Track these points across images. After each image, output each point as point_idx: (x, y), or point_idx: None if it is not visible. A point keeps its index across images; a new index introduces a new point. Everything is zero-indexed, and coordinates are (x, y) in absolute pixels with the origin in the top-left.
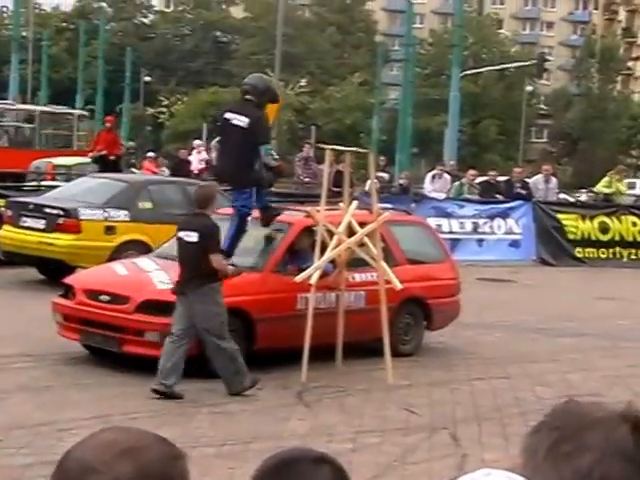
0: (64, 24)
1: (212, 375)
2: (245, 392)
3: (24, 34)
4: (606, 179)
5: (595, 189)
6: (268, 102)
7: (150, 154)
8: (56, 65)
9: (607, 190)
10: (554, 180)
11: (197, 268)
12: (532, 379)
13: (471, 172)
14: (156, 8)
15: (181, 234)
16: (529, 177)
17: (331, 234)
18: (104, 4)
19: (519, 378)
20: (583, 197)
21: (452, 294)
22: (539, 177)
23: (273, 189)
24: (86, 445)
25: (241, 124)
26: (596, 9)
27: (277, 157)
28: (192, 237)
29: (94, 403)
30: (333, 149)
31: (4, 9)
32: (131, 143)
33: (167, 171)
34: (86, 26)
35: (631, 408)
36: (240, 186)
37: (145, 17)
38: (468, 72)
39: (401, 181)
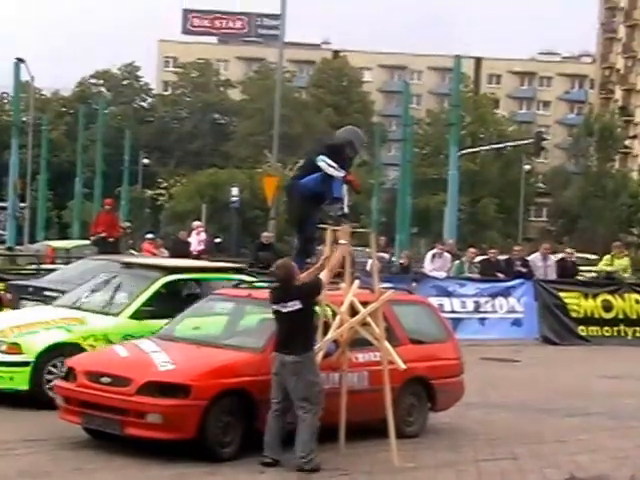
0: (64, 109)
1: (212, 458)
2: (314, 471)
3: (24, 119)
4: (607, 257)
5: (597, 268)
6: (351, 152)
7: (149, 235)
8: (56, 149)
9: (609, 268)
10: (552, 258)
11: (298, 336)
12: (540, 460)
13: (471, 250)
14: (154, 91)
15: (276, 307)
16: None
17: (333, 314)
18: (103, 88)
19: (526, 459)
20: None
21: (456, 374)
22: (537, 255)
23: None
24: None
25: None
26: (592, 88)
27: (340, 169)
28: (293, 306)
29: None
30: (333, 229)
31: (5, 95)
32: (127, 223)
33: (166, 252)
34: (85, 110)
35: None
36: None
37: (144, 100)
38: (466, 151)
39: (401, 260)
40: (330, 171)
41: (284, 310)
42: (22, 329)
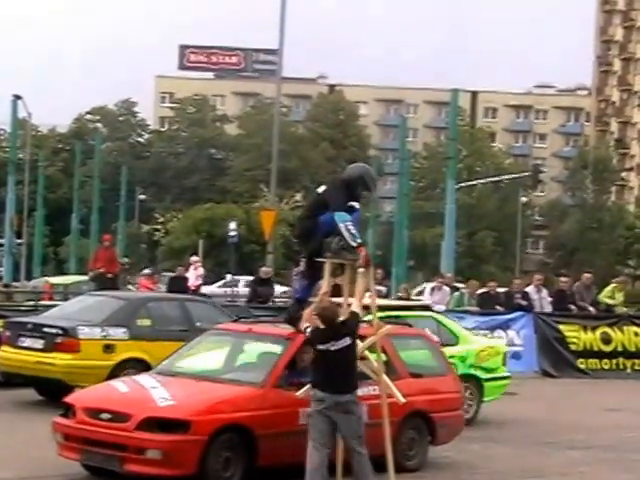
0: (60, 145)
1: None
2: None
3: (21, 156)
4: (609, 289)
5: (598, 298)
6: (363, 188)
7: (146, 271)
8: (52, 185)
9: (610, 301)
10: (545, 290)
11: (348, 374)
12: None
13: (474, 282)
14: (151, 127)
15: (324, 347)
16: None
17: None
18: (99, 125)
19: None
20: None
21: (456, 407)
22: (531, 287)
23: (270, 304)
24: None
25: (318, 190)
26: (588, 121)
27: (357, 236)
28: (344, 343)
29: None
30: (332, 262)
31: (1, 132)
32: (125, 259)
33: (163, 288)
34: (82, 146)
35: None
36: (300, 241)
37: (140, 136)
38: (463, 184)
39: (400, 294)
40: (346, 236)
41: (333, 348)
42: None
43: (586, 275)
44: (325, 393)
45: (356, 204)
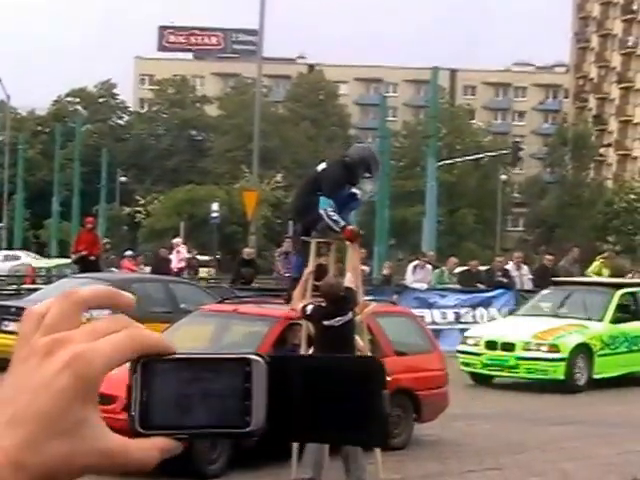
0: (39, 127)
1: (199, 476)
2: None
3: (0, 138)
4: (597, 264)
5: (586, 273)
6: (365, 171)
7: (128, 253)
8: (32, 168)
9: (597, 279)
10: (525, 267)
11: (349, 349)
12: (525, 469)
13: (452, 260)
14: (131, 109)
15: (328, 322)
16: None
17: None
18: (79, 107)
19: (512, 469)
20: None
21: (440, 385)
22: (511, 265)
23: (254, 284)
24: None
25: (318, 168)
26: (566, 98)
27: (340, 221)
28: (346, 317)
29: None
30: (317, 241)
31: None
32: (106, 239)
33: (147, 269)
34: (61, 129)
35: None
36: (296, 218)
37: (120, 118)
38: (443, 162)
39: (385, 271)
40: (329, 223)
41: (338, 324)
42: (552, 333)
43: (575, 250)
44: None
45: (358, 192)
